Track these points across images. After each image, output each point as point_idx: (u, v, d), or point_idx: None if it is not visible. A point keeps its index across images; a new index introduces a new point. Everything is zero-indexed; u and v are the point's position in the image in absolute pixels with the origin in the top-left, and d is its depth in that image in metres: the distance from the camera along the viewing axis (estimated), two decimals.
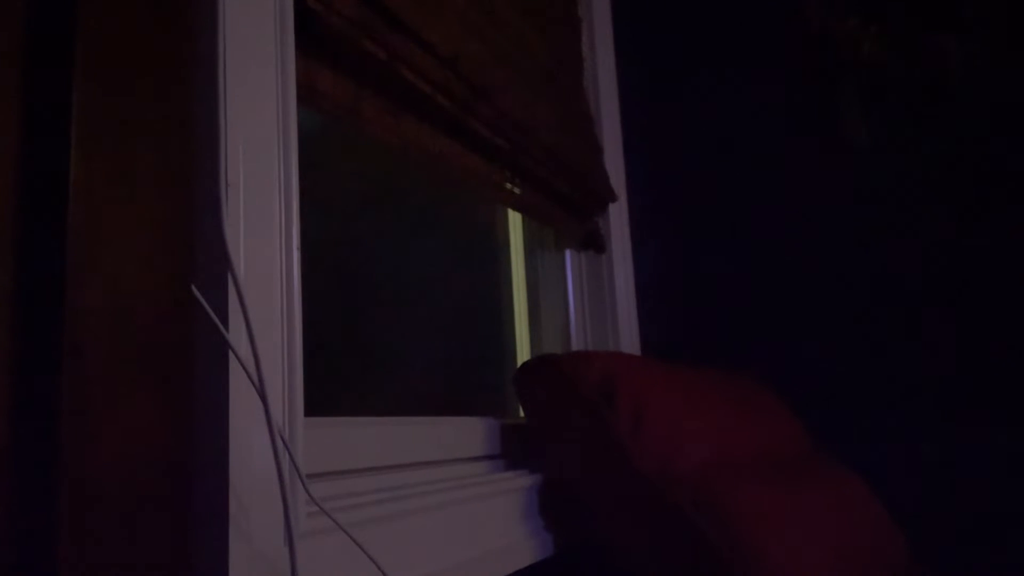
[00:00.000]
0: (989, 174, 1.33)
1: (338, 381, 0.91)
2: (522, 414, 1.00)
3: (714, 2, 1.62)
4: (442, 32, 0.88)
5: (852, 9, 1.47)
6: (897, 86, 1.41)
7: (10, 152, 0.45)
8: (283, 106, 0.62)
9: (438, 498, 0.75)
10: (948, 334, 1.33)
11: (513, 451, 1.01)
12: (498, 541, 0.83)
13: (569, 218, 1.30)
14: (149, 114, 0.52)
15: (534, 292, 1.35)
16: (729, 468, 0.91)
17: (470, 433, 0.93)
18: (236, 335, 0.53)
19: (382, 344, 1.00)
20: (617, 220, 1.40)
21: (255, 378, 0.52)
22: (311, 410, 0.69)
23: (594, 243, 1.36)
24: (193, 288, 0.51)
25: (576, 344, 1.34)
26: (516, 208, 1.16)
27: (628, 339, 1.37)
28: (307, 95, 0.71)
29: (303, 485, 0.58)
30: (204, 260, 0.54)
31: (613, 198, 1.36)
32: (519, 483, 0.90)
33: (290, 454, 0.56)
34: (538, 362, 0.96)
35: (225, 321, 0.53)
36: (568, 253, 1.37)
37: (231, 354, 0.53)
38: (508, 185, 1.10)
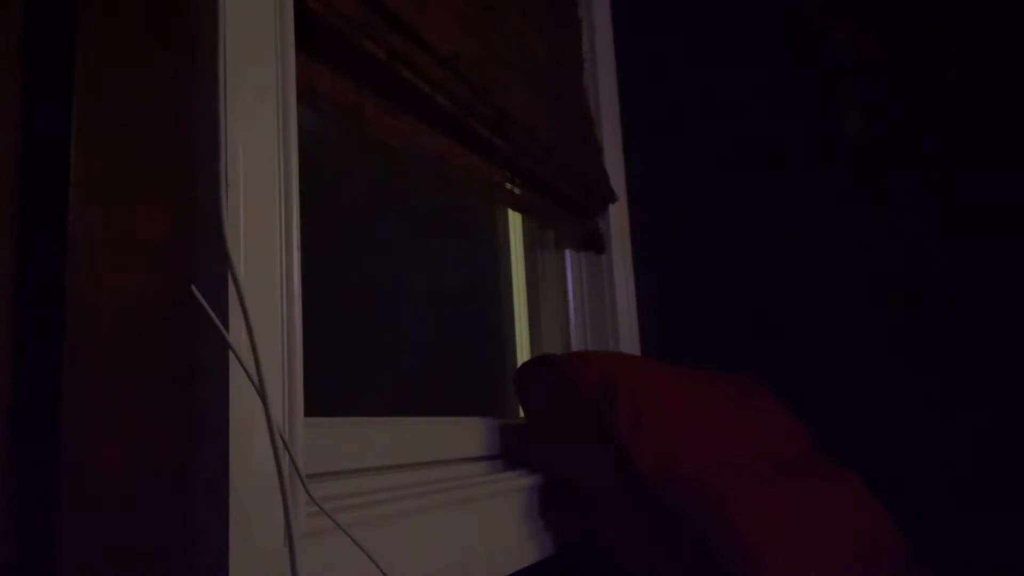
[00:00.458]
0: (989, 174, 1.33)
1: (338, 381, 0.91)
2: (522, 414, 1.00)
3: (714, 2, 1.62)
4: (442, 32, 0.88)
5: (852, 9, 1.47)
6: (897, 86, 1.41)
7: (10, 152, 0.45)
8: (283, 106, 0.62)
9: (438, 498, 0.75)
10: (948, 334, 1.33)
11: (513, 451, 1.01)
12: (498, 541, 0.83)
13: (569, 218, 1.30)
14: (149, 114, 0.52)
15: (534, 292, 1.35)
16: (729, 468, 0.91)
17: (470, 433, 0.93)
18: (236, 335, 0.53)
19: (382, 344, 1.00)
20: (617, 220, 1.40)
21: (255, 378, 0.52)
22: (311, 410, 0.69)
23: (594, 243, 1.36)
24: (193, 288, 0.51)
25: (576, 344, 1.34)
26: (516, 208, 1.16)
27: (628, 339, 1.37)
28: (307, 95, 0.71)
29: (303, 485, 0.57)
30: (204, 260, 0.54)
31: (613, 198, 1.36)
32: (519, 483, 0.90)
33: (290, 454, 0.56)
34: (538, 362, 0.96)
35: (225, 321, 0.53)
36: (568, 253, 1.37)
37: (231, 354, 0.53)
38: (508, 185, 1.10)
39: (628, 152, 1.49)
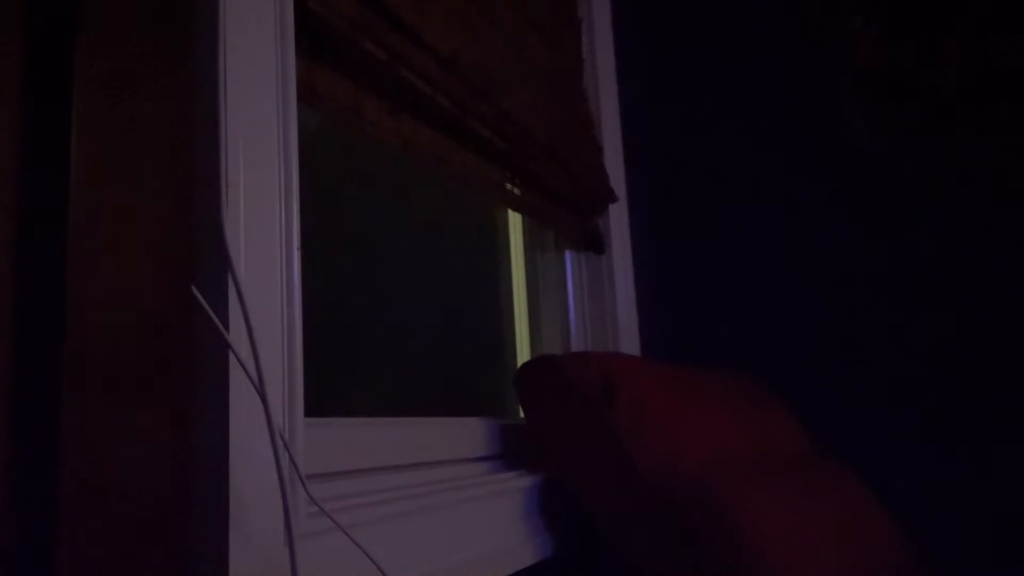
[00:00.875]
0: (989, 175, 1.33)
1: (338, 381, 0.91)
2: (522, 414, 1.00)
3: (714, 2, 1.62)
4: (442, 32, 0.88)
5: (852, 9, 1.47)
6: (897, 87, 1.41)
7: (10, 152, 0.45)
8: (283, 106, 0.62)
9: (438, 499, 0.75)
10: (948, 334, 1.33)
11: (513, 451, 1.01)
12: (498, 541, 0.83)
13: (569, 218, 1.30)
14: (149, 114, 0.52)
15: (534, 292, 1.35)
16: (729, 468, 0.91)
17: (470, 433, 0.93)
18: (236, 335, 0.53)
19: (382, 344, 1.00)
20: (617, 220, 1.40)
21: (255, 378, 0.52)
22: (311, 410, 0.69)
23: (594, 243, 1.36)
24: (193, 288, 0.51)
25: (576, 344, 1.34)
26: (516, 208, 1.16)
27: (628, 339, 1.37)
28: (307, 95, 0.71)
29: (303, 485, 0.58)
30: (204, 260, 0.54)
31: (613, 198, 1.36)
32: (519, 483, 0.90)
33: (290, 454, 0.56)
34: (538, 362, 0.96)
35: (225, 321, 0.53)
36: (568, 253, 1.37)
37: (231, 354, 0.53)
38: (508, 185, 1.10)
39: (628, 152, 1.49)
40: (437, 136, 0.93)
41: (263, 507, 0.55)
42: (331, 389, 0.88)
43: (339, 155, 0.97)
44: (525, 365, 0.98)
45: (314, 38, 0.72)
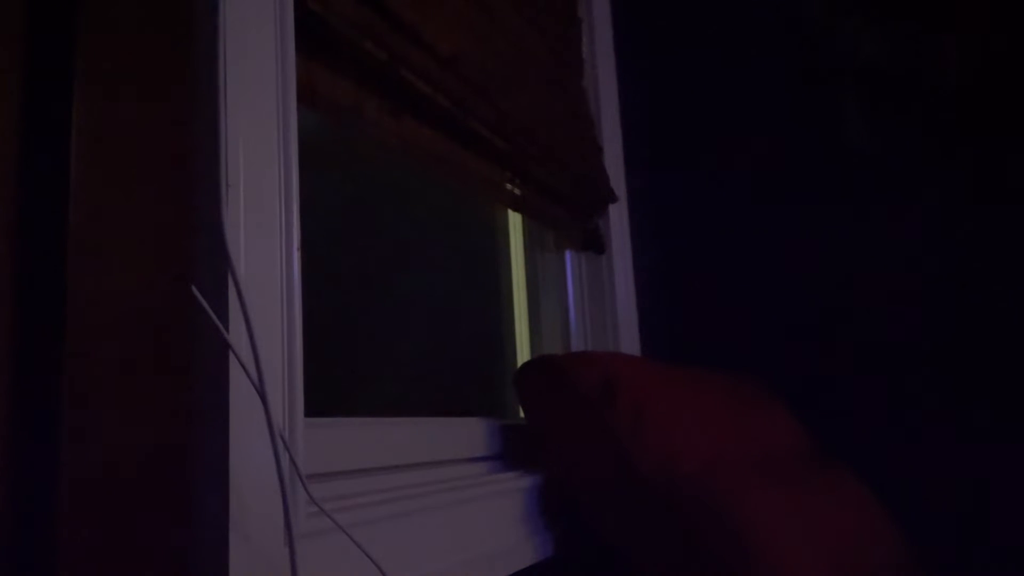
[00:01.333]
0: (990, 175, 1.33)
1: (338, 381, 0.91)
2: (522, 414, 1.00)
3: (714, 3, 1.62)
4: (442, 32, 0.88)
5: (852, 9, 1.47)
6: (897, 87, 1.41)
7: (10, 152, 0.45)
8: (283, 106, 0.62)
9: (438, 498, 0.75)
10: (948, 334, 1.33)
11: (513, 451, 1.01)
12: (498, 541, 0.83)
13: (569, 218, 1.30)
14: (149, 114, 0.52)
15: (534, 292, 1.35)
16: (729, 468, 0.91)
17: (470, 433, 0.93)
18: (236, 335, 0.53)
19: (382, 344, 1.00)
20: (617, 220, 1.40)
21: (255, 378, 0.52)
22: (311, 410, 0.69)
23: (594, 243, 1.36)
24: (193, 288, 0.51)
25: (576, 344, 1.34)
26: (516, 208, 1.16)
27: (628, 339, 1.37)
28: (307, 95, 0.71)
29: (303, 485, 0.58)
30: (204, 260, 0.54)
31: (613, 198, 1.36)
32: (519, 483, 0.90)
33: (290, 454, 0.56)
34: (538, 362, 0.96)
35: (225, 321, 0.53)
36: (568, 253, 1.37)
37: (231, 354, 0.53)
38: (508, 185, 1.10)
39: (628, 152, 1.49)
40: (437, 136, 0.93)
41: (263, 507, 0.55)
42: (331, 389, 0.88)
43: (339, 155, 0.97)
44: (525, 365, 0.98)
45: (314, 38, 0.72)
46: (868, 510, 1.07)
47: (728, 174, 1.57)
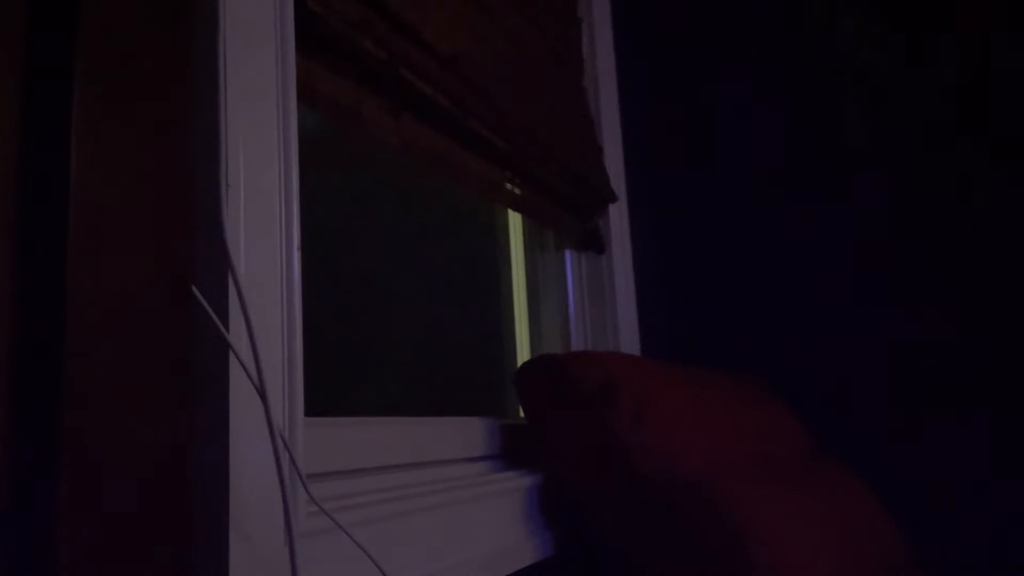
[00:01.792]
0: (990, 175, 1.33)
1: (338, 381, 0.91)
2: (522, 414, 1.00)
3: (714, 2, 1.62)
4: (442, 32, 0.88)
5: (852, 9, 1.47)
6: (897, 87, 1.41)
7: (10, 152, 0.45)
8: (283, 106, 0.62)
9: (438, 498, 0.75)
10: (949, 334, 1.33)
11: (513, 451, 1.01)
12: (498, 541, 0.83)
13: (569, 218, 1.30)
14: (149, 114, 0.52)
15: (534, 292, 1.35)
16: (729, 468, 0.91)
17: (470, 433, 0.93)
18: (236, 335, 0.53)
19: (382, 344, 1.00)
20: (617, 220, 1.40)
21: (255, 378, 0.52)
22: (311, 410, 0.69)
23: (594, 243, 1.36)
24: (193, 288, 0.51)
25: (576, 344, 1.34)
26: (516, 208, 1.16)
27: (628, 339, 1.37)
28: (307, 95, 0.71)
29: (303, 485, 0.58)
30: (204, 260, 0.54)
31: (613, 198, 1.36)
32: (519, 483, 0.90)
33: (290, 454, 0.56)
34: (538, 362, 0.96)
35: (225, 321, 0.53)
36: (568, 253, 1.37)
37: (231, 354, 0.53)
38: (508, 185, 1.10)
39: (628, 152, 1.49)
40: (437, 136, 0.93)
41: (263, 507, 0.55)
42: (331, 389, 0.88)
43: (339, 155, 0.97)
44: (525, 365, 0.98)
45: (314, 38, 0.72)
46: (868, 510, 1.07)
47: (728, 174, 1.57)
